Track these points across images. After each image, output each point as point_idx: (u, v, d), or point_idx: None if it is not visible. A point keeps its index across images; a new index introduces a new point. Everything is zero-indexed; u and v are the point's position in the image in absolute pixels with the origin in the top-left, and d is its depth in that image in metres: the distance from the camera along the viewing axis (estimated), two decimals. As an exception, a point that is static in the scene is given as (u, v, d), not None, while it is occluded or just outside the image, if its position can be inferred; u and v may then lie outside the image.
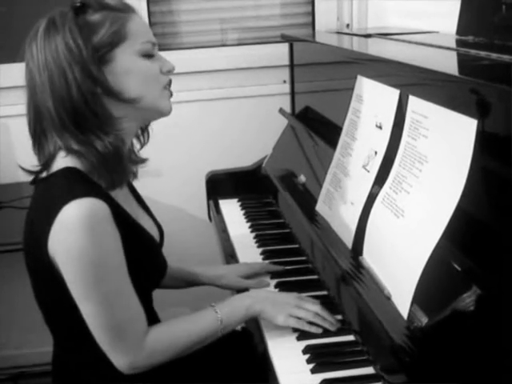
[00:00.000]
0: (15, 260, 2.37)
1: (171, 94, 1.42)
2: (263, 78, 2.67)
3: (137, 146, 1.53)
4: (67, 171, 1.29)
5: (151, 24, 2.58)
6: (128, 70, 1.32)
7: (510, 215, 1.04)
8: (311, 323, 1.41)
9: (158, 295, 1.56)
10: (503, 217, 1.06)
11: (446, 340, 1.08)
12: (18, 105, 2.51)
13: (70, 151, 1.29)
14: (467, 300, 1.06)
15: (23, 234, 1.36)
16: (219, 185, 2.42)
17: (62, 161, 1.30)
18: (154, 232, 1.51)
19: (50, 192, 1.29)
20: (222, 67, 2.63)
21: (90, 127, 1.28)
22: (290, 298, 1.47)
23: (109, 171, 1.31)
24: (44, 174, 1.34)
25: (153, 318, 1.55)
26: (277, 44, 2.59)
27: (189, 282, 1.76)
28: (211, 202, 2.39)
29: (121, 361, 1.31)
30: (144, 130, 1.53)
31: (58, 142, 1.30)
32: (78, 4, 1.31)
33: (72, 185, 1.26)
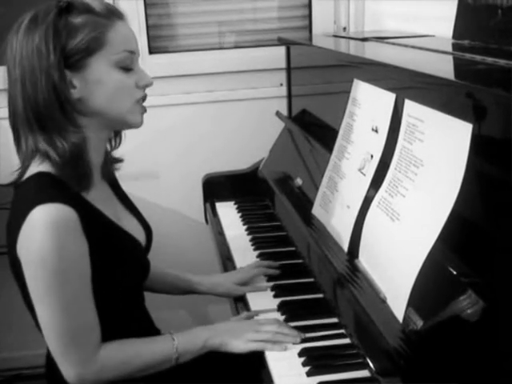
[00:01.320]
0: (8, 262, 2.37)
1: (145, 110, 1.40)
2: (260, 81, 2.67)
3: (107, 148, 1.52)
4: (39, 176, 1.30)
5: (148, 26, 2.57)
6: (100, 80, 1.31)
7: (505, 218, 1.04)
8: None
9: (154, 298, 1.57)
10: (498, 220, 1.07)
11: (440, 343, 1.08)
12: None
13: (39, 152, 1.30)
14: (462, 303, 1.06)
15: (6, 236, 1.36)
16: (216, 187, 2.43)
17: (36, 167, 1.31)
18: (138, 232, 1.50)
19: (22, 197, 1.30)
20: (219, 70, 2.64)
21: (50, 130, 1.28)
22: (247, 324, 1.47)
23: (71, 173, 1.30)
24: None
25: (144, 319, 1.55)
26: (274, 47, 2.58)
27: (186, 290, 1.76)
28: (208, 205, 2.39)
29: (69, 371, 1.29)
30: (116, 134, 1.52)
31: (30, 140, 1.30)
32: (64, 4, 1.29)
33: (41, 190, 1.27)
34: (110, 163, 1.51)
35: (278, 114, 2.43)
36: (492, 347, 0.98)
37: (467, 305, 1.05)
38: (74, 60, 1.28)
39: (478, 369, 0.99)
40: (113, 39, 1.31)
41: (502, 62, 1.25)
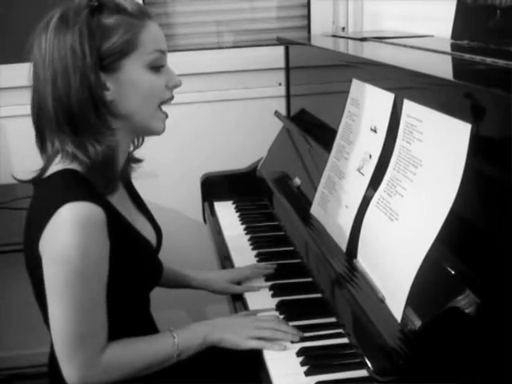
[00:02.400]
0: (12, 261, 2.37)
1: (166, 116, 1.40)
2: (259, 81, 2.67)
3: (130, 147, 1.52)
4: (65, 173, 1.29)
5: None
6: (133, 82, 1.30)
7: (503, 218, 1.04)
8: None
9: (154, 297, 1.57)
10: (497, 220, 1.07)
11: (439, 343, 1.08)
12: (16, 106, 2.54)
13: (65, 152, 1.29)
14: (461, 303, 1.07)
15: (23, 234, 1.36)
16: (214, 187, 2.43)
17: (60, 164, 1.30)
18: (151, 235, 1.50)
19: (47, 193, 1.29)
20: (217, 69, 2.64)
21: (83, 132, 1.28)
22: (247, 320, 1.47)
23: (99, 176, 1.30)
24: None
25: (148, 322, 1.55)
26: (272, 47, 2.59)
27: (180, 284, 1.76)
28: (206, 204, 2.39)
29: (73, 373, 1.28)
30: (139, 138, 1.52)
31: (55, 141, 1.29)
32: (95, 3, 1.27)
33: (69, 187, 1.26)
34: (128, 163, 1.51)
35: (276, 113, 2.43)
36: (490, 347, 0.98)
37: (465, 304, 1.06)
38: (107, 62, 1.27)
39: (476, 368, 0.99)
40: (145, 40, 1.30)
41: (500, 62, 1.25)
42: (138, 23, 1.30)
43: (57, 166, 1.31)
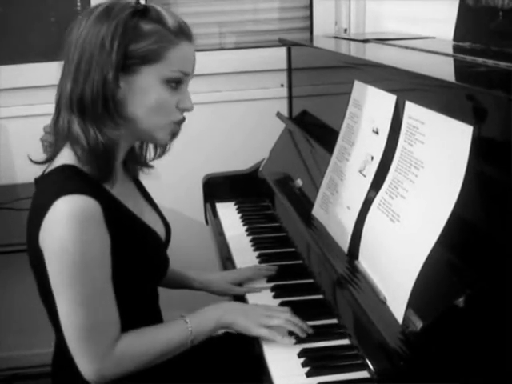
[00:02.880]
0: (12, 262, 2.38)
1: (174, 135, 1.42)
2: (261, 82, 2.68)
3: (151, 154, 1.54)
4: (63, 168, 1.31)
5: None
6: (144, 89, 1.31)
7: (505, 221, 1.04)
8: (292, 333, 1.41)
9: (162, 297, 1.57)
10: (499, 222, 1.07)
11: (440, 344, 1.08)
12: (17, 106, 2.54)
13: (71, 133, 1.30)
14: (462, 305, 1.07)
15: (26, 232, 1.36)
16: (216, 188, 2.43)
17: (61, 158, 1.32)
18: (159, 229, 1.50)
19: (45, 189, 1.30)
20: (220, 70, 2.64)
21: (89, 118, 1.29)
22: (260, 308, 1.48)
23: (95, 164, 1.30)
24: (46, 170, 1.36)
25: (156, 316, 1.55)
26: (275, 48, 2.59)
27: (181, 284, 1.76)
28: (208, 205, 2.39)
29: (88, 367, 1.29)
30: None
31: (66, 118, 1.31)
32: (140, 7, 1.30)
33: (65, 181, 1.27)
34: (137, 163, 1.52)
35: (278, 114, 2.43)
36: (492, 349, 0.98)
37: (467, 306, 1.06)
38: (128, 63, 1.28)
39: (477, 370, 0.99)
40: (172, 57, 1.31)
41: (502, 64, 1.25)
42: (172, 39, 1.30)
43: (58, 160, 1.33)
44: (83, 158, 1.30)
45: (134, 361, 1.34)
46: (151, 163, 1.56)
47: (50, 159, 1.38)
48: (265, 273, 1.75)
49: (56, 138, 1.36)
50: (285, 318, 1.42)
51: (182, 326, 1.40)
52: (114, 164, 1.36)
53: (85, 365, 1.29)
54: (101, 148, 1.29)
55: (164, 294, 1.67)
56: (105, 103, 1.29)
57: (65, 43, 1.33)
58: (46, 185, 1.31)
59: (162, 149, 1.53)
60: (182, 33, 1.33)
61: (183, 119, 1.40)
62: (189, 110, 1.39)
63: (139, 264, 1.34)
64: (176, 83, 1.34)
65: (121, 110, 1.32)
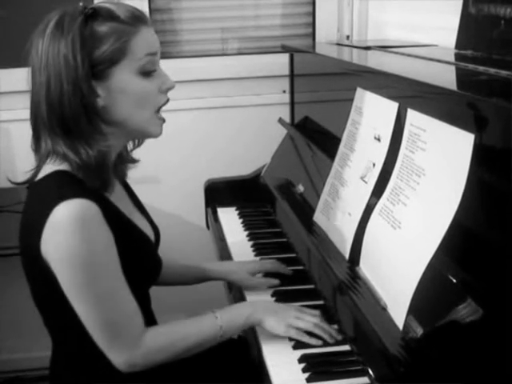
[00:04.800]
0: (12, 265, 2.37)
1: (163, 121, 1.41)
2: (263, 88, 2.68)
3: (129, 145, 1.53)
4: (57, 174, 1.30)
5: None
6: (123, 89, 1.31)
7: (506, 228, 1.05)
8: (311, 334, 1.41)
9: (154, 300, 1.57)
10: (499, 230, 1.07)
11: (440, 351, 1.09)
12: (19, 109, 2.54)
13: (57, 154, 1.30)
14: (462, 312, 1.07)
15: (19, 237, 1.37)
16: (218, 193, 2.43)
17: (52, 165, 1.32)
18: (148, 231, 1.51)
19: (41, 195, 1.30)
20: (222, 76, 2.64)
21: (75, 136, 1.29)
22: (291, 309, 1.47)
23: (91, 177, 1.31)
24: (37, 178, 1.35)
25: (149, 319, 1.56)
26: (277, 54, 2.60)
27: (198, 277, 1.77)
28: (209, 210, 2.39)
29: (118, 359, 1.31)
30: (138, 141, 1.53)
31: (49, 142, 1.31)
32: (89, 11, 1.29)
33: (61, 187, 1.27)
34: (124, 163, 1.52)
35: (280, 120, 2.44)
36: (493, 355, 0.99)
37: (467, 313, 1.06)
38: (98, 70, 1.28)
39: (478, 376, 0.99)
40: (136, 46, 1.30)
41: (504, 72, 1.25)
42: (130, 30, 1.30)
43: (48, 166, 1.32)
44: (77, 172, 1.30)
45: (163, 351, 1.36)
46: (134, 157, 1.56)
47: (32, 178, 1.36)
48: (282, 269, 1.76)
49: (40, 160, 1.35)
50: (314, 322, 1.43)
51: (212, 321, 1.41)
52: (109, 173, 1.37)
53: (115, 357, 1.31)
54: (93, 162, 1.29)
55: (164, 297, 1.68)
56: (88, 117, 1.29)
57: (29, 67, 1.33)
58: (42, 190, 1.31)
59: (141, 140, 1.53)
60: (138, 20, 1.32)
61: (168, 100, 1.40)
62: (171, 88, 1.39)
63: (132, 267, 1.34)
64: (149, 70, 1.33)
65: (107, 118, 1.32)
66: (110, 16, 1.30)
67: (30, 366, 2.67)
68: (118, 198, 1.43)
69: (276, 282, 1.71)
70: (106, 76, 1.29)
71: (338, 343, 1.40)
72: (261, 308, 1.46)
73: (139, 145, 1.54)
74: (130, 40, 1.30)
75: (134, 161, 1.55)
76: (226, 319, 1.42)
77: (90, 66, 1.27)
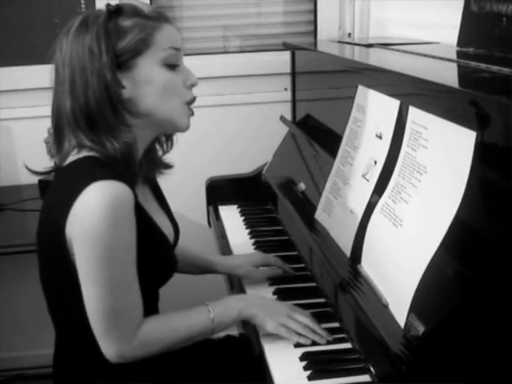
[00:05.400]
0: (15, 262, 2.39)
1: (192, 113, 1.42)
2: (265, 86, 2.68)
3: (159, 152, 1.54)
4: (88, 158, 1.31)
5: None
6: (148, 79, 1.33)
7: (507, 226, 1.05)
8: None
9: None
10: (501, 227, 1.07)
11: (442, 349, 1.08)
12: (21, 108, 2.55)
13: (83, 148, 1.31)
14: (464, 309, 1.07)
15: (39, 220, 1.38)
16: (219, 191, 2.43)
17: (80, 154, 1.32)
18: (169, 232, 1.52)
19: (71, 176, 1.30)
20: (223, 74, 2.64)
21: (101, 129, 1.30)
22: (283, 307, 1.48)
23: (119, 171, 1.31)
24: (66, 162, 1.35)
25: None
26: (279, 52, 2.60)
27: (204, 269, 1.79)
28: (211, 208, 2.40)
29: (109, 349, 1.31)
30: (168, 138, 1.54)
31: (73, 139, 1.32)
32: (114, 7, 1.32)
33: (94, 168, 1.27)
34: (155, 165, 1.53)
35: (282, 118, 2.44)
36: (494, 353, 0.99)
37: (469, 311, 1.06)
38: (122, 60, 1.30)
39: (480, 374, 0.99)
40: (159, 39, 1.33)
41: (506, 70, 1.25)
42: (154, 24, 1.33)
43: (77, 155, 1.33)
44: (107, 161, 1.31)
45: (156, 344, 1.36)
46: (170, 162, 1.57)
47: (60, 164, 1.38)
48: (285, 266, 1.77)
49: (64, 154, 1.36)
50: (304, 323, 1.43)
51: (204, 314, 1.42)
52: (135, 167, 1.38)
53: (108, 347, 1.31)
54: (119, 154, 1.30)
55: (165, 294, 1.67)
56: (113, 108, 1.30)
57: (52, 67, 1.35)
58: (71, 173, 1.31)
59: (170, 143, 1.54)
60: (161, 16, 1.36)
61: (195, 98, 1.42)
62: (195, 84, 1.41)
63: (146, 264, 1.34)
64: (172, 62, 1.35)
65: (133, 109, 1.33)
66: (133, 11, 1.33)
67: (32, 364, 2.67)
68: (142, 195, 1.43)
69: (280, 271, 1.74)
70: (130, 66, 1.31)
71: (339, 341, 1.41)
72: (253, 302, 1.47)
73: (169, 149, 1.55)
74: (153, 32, 1.32)
75: (168, 166, 1.55)
76: (219, 312, 1.43)
77: (115, 57, 1.29)
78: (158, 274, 1.44)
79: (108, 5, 1.33)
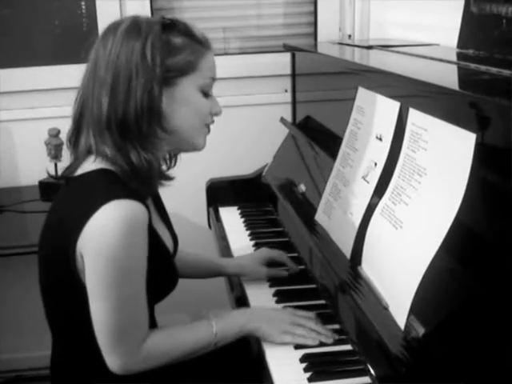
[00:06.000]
0: (15, 264, 2.39)
1: (209, 131, 1.47)
2: (265, 87, 2.68)
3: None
4: (104, 172, 1.31)
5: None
6: (185, 99, 1.35)
7: (507, 227, 1.05)
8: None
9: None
10: (501, 229, 1.07)
11: (442, 351, 1.08)
12: (21, 109, 2.55)
13: (100, 154, 1.31)
14: (464, 311, 1.07)
15: (44, 227, 1.38)
16: (219, 192, 2.43)
17: (96, 162, 1.32)
18: (169, 244, 1.52)
19: (86, 189, 1.30)
20: (223, 75, 2.61)
21: (131, 137, 1.30)
22: (286, 314, 1.48)
23: (136, 182, 1.31)
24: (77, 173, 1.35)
25: (151, 324, 1.56)
26: (279, 53, 2.60)
27: (213, 272, 1.80)
28: (211, 210, 2.40)
29: (115, 362, 1.31)
30: (175, 155, 1.55)
31: (91, 139, 1.31)
32: (168, 21, 1.34)
33: (111, 185, 1.28)
34: (159, 179, 1.51)
35: (282, 120, 2.44)
36: (494, 354, 0.99)
37: (469, 313, 1.06)
38: (168, 76, 1.31)
39: (479, 376, 0.99)
40: (204, 66, 1.37)
41: (506, 72, 1.25)
42: (201, 50, 1.37)
43: (92, 164, 1.32)
44: (123, 176, 1.31)
45: (159, 358, 1.37)
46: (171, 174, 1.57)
47: (72, 171, 1.37)
48: (288, 262, 1.79)
49: (76, 157, 1.37)
50: (309, 326, 1.44)
51: (207, 329, 1.42)
52: (155, 179, 1.39)
53: (113, 361, 1.31)
54: (145, 165, 1.31)
55: (166, 298, 1.68)
56: (150, 119, 1.30)
57: (89, 61, 1.34)
58: (87, 187, 1.31)
59: (174, 160, 1.56)
60: (207, 42, 1.40)
61: (213, 122, 1.47)
62: (219, 114, 1.47)
63: (151, 279, 1.34)
64: (207, 91, 1.40)
65: (165, 124, 1.34)
66: (185, 31, 1.36)
67: (31, 366, 2.67)
68: (149, 206, 1.42)
69: (286, 273, 1.75)
70: (173, 84, 1.33)
71: (339, 343, 1.40)
72: (256, 317, 1.47)
73: (173, 166, 1.56)
74: (200, 58, 1.36)
75: (170, 178, 1.56)
76: (222, 327, 1.43)
77: (164, 70, 1.30)
78: (161, 289, 1.44)
79: (163, 17, 1.36)
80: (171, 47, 1.32)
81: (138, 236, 1.24)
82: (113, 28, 1.33)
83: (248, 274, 1.76)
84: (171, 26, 1.34)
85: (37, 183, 2.40)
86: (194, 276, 1.78)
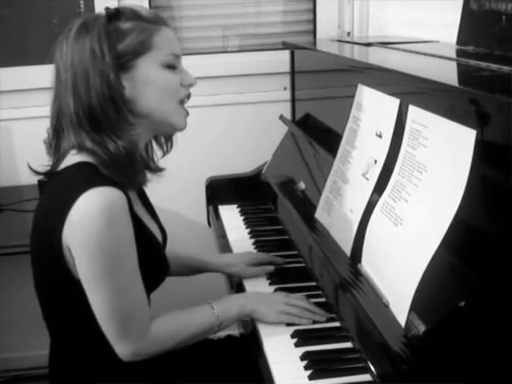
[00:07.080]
0: (14, 263, 2.38)
1: (187, 113, 1.45)
2: (264, 85, 2.68)
3: (158, 153, 1.56)
4: (83, 164, 1.32)
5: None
6: (147, 79, 1.35)
7: (508, 225, 1.04)
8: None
9: (154, 296, 1.57)
10: (502, 226, 1.07)
11: (443, 348, 1.08)
12: (20, 108, 2.55)
13: (82, 149, 1.32)
14: (464, 308, 1.07)
15: (32, 226, 1.38)
16: (219, 190, 2.43)
17: (75, 157, 1.33)
18: (158, 236, 1.51)
19: (66, 182, 1.31)
20: (223, 73, 2.64)
21: (104, 129, 1.31)
22: (279, 296, 1.54)
23: (119, 172, 1.32)
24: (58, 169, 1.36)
25: None
26: (278, 51, 2.60)
27: (197, 269, 1.81)
28: (211, 208, 2.39)
29: (125, 348, 1.33)
30: (167, 139, 1.55)
31: (72, 139, 1.33)
32: (113, 11, 1.35)
33: (89, 175, 1.29)
34: (148, 169, 1.53)
35: (281, 117, 2.44)
36: (495, 352, 0.98)
37: (469, 310, 1.06)
38: (123, 61, 1.33)
39: (480, 374, 0.99)
40: (159, 42, 1.36)
41: (505, 68, 1.25)
42: (153, 27, 1.36)
43: (73, 157, 1.33)
44: (106, 168, 1.32)
45: (166, 341, 1.39)
46: (162, 166, 1.57)
47: (55, 167, 1.38)
48: (278, 260, 1.81)
49: (61, 155, 1.38)
50: (302, 306, 1.49)
51: (209, 311, 1.45)
52: (136, 166, 1.39)
53: (123, 347, 1.32)
54: (123, 152, 1.32)
55: (161, 298, 1.68)
56: (116, 107, 1.31)
57: (53, 70, 1.37)
58: (67, 179, 1.32)
59: (169, 144, 1.56)
60: (159, 19, 1.39)
61: (190, 94, 1.45)
62: (193, 84, 1.44)
63: (142, 268, 1.34)
64: (172, 64, 1.39)
65: (133, 109, 1.35)
66: (132, 15, 1.36)
67: (30, 365, 2.67)
68: (132, 199, 1.42)
69: (271, 268, 1.76)
70: (130, 67, 1.34)
71: (340, 340, 1.40)
72: (253, 298, 1.52)
73: (169, 151, 1.57)
74: (152, 35, 1.35)
75: (161, 169, 1.56)
76: (222, 309, 1.46)
77: (116, 57, 1.31)
78: (152, 278, 1.44)
79: (107, 8, 1.36)
80: (119, 33, 1.33)
81: (120, 221, 1.25)
82: (66, 33, 1.35)
83: (232, 273, 1.78)
84: (117, 15, 1.35)
85: (36, 182, 2.40)
86: (180, 274, 1.78)
